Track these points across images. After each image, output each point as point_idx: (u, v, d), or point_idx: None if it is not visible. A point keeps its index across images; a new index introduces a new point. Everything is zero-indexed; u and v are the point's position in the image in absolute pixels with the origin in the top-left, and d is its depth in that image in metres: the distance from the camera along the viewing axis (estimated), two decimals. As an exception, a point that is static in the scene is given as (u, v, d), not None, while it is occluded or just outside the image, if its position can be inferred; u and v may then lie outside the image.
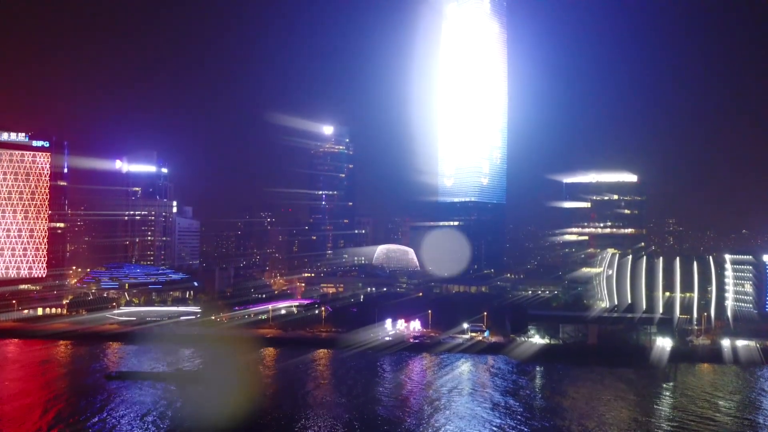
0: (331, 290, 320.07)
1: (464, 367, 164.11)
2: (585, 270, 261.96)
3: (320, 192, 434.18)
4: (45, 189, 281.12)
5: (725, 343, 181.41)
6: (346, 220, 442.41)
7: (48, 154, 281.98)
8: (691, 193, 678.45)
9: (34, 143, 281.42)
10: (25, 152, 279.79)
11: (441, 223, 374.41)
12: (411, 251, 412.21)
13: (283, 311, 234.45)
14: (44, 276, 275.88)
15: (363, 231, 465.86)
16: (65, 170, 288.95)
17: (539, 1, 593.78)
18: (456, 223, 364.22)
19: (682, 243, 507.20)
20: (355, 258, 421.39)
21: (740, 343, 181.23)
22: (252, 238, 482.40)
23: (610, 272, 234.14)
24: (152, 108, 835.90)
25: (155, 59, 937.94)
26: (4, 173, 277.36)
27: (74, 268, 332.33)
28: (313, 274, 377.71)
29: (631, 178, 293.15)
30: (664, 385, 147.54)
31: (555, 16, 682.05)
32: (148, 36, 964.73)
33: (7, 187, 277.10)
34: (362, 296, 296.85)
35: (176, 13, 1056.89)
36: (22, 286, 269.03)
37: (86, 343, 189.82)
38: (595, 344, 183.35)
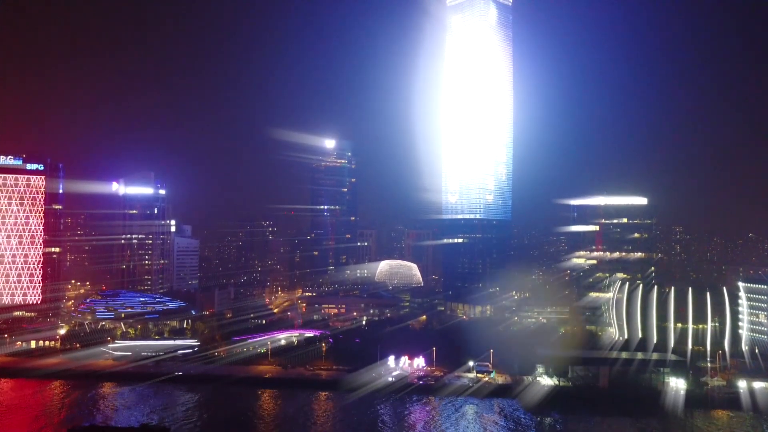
0: (333, 311, 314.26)
1: (471, 415, 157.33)
2: (594, 295, 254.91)
3: (322, 207, 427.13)
4: (40, 213, 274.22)
5: (742, 384, 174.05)
6: (348, 235, 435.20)
7: (42, 177, 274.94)
8: (697, 199, 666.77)
9: (28, 166, 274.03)
10: (19, 175, 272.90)
11: (445, 240, 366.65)
12: (415, 267, 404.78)
13: (282, 341, 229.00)
14: (39, 302, 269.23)
15: (366, 243, 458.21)
16: (60, 193, 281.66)
17: (546, 14, 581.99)
18: (460, 240, 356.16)
19: (689, 249, 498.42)
20: (358, 272, 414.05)
21: (758, 385, 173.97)
22: (253, 251, 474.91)
23: (620, 296, 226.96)
24: (150, 123, 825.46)
25: (151, 76, 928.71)
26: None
27: (69, 294, 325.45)
28: (314, 294, 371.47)
29: (640, 201, 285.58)
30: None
31: (562, 30, 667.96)
32: (143, 53, 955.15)
33: (0, 212, 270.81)
34: (365, 320, 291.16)
35: (172, 28, 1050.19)
36: (17, 313, 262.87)
37: (78, 383, 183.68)
38: (606, 387, 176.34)
